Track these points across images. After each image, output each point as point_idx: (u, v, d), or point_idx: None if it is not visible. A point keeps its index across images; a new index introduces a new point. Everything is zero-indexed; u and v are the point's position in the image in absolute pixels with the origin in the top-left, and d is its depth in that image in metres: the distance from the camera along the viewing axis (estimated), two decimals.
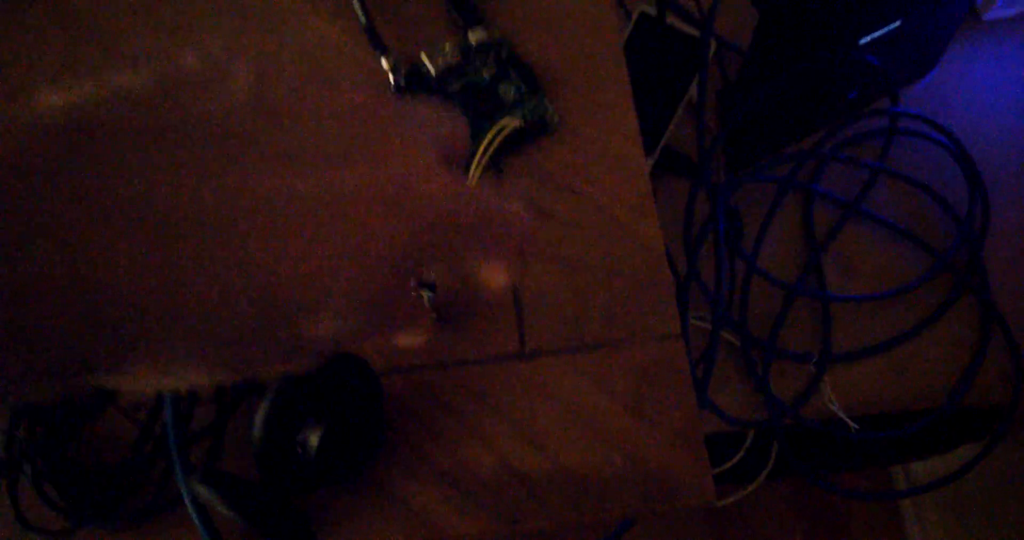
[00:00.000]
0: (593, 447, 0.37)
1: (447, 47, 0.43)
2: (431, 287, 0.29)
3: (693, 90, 0.63)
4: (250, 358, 0.19)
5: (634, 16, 0.61)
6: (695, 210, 0.60)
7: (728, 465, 0.62)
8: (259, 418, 0.32)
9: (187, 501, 0.33)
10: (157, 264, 0.16)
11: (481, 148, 0.40)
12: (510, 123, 0.42)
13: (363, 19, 0.43)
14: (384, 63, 0.42)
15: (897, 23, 0.59)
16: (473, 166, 0.40)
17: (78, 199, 0.15)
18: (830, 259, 0.62)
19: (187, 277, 0.16)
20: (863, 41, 0.59)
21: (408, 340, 0.24)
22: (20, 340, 0.15)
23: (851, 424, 0.58)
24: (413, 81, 0.42)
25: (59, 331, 0.15)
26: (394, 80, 0.42)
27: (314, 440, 0.32)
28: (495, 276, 0.23)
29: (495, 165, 0.42)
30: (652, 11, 0.61)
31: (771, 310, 0.61)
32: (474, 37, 0.43)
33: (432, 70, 0.42)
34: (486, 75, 0.43)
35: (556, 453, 0.37)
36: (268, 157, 0.17)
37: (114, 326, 0.16)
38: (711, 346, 0.57)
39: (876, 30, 0.59)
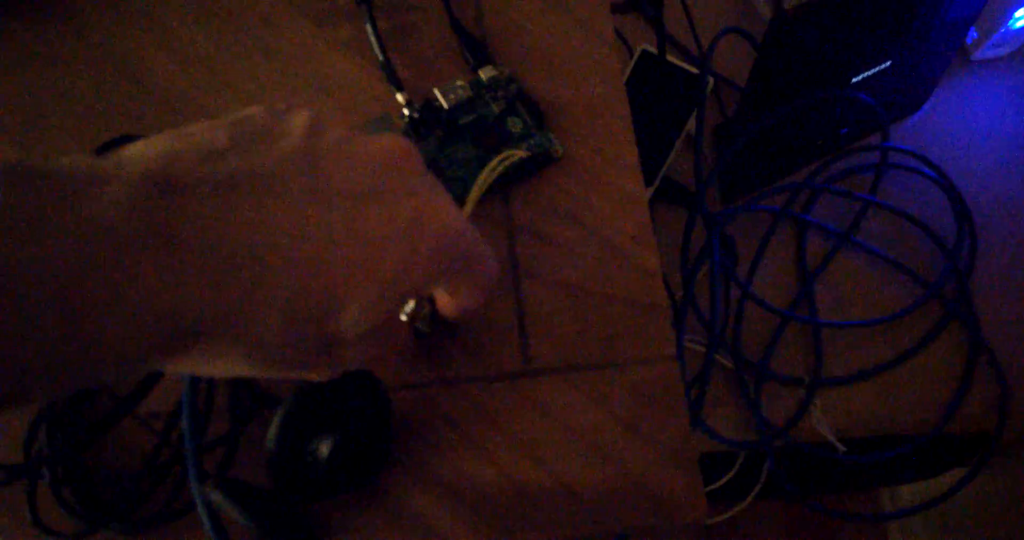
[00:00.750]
0: (591, 463, 0.39)
1: (459, 83, 0.45)
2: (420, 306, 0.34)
3: (691, 124, 0.65)
4: (286, 357, 0.22)
5: (636, 53, 0.64)
6: (692, 237, 0.62)
7: (720, 483, 0.63)
8: (273, 427, 0.34)
9: (199, 507, 0.34)
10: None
11: (484, 173, 0.42)
12: (515, 153, 0.44)
13: (381, 57, 0.45)
14: (400, 97, 0.44)
15: (887, 63, 0.62)
16: (475, 189, 0.42)
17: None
18: (822, 287, 0.64)
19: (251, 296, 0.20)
20: (855, 79, 0.62)
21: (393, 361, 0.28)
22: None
23: (839, 446, 0.60)
24: (426, 114, 0.44)
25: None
26: (408, 113, 0.44)
27: (325, 450, 0.34)
28: (461, 305, 0.29)
29: (502, 192, 0.44)
30: (653, 49, 0.64)
31: (764, 335, 0.63)
32: (485, 75, 0.46)
33: (445, 104, 0.44)
34: (495, 109, 0.45)
35: (555, 468, 0.39)
36: (307, 193, 0.20)
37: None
38: (705, 368, 0.59)
39: (867, 70, 0.62)
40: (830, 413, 0.62)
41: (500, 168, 0.43)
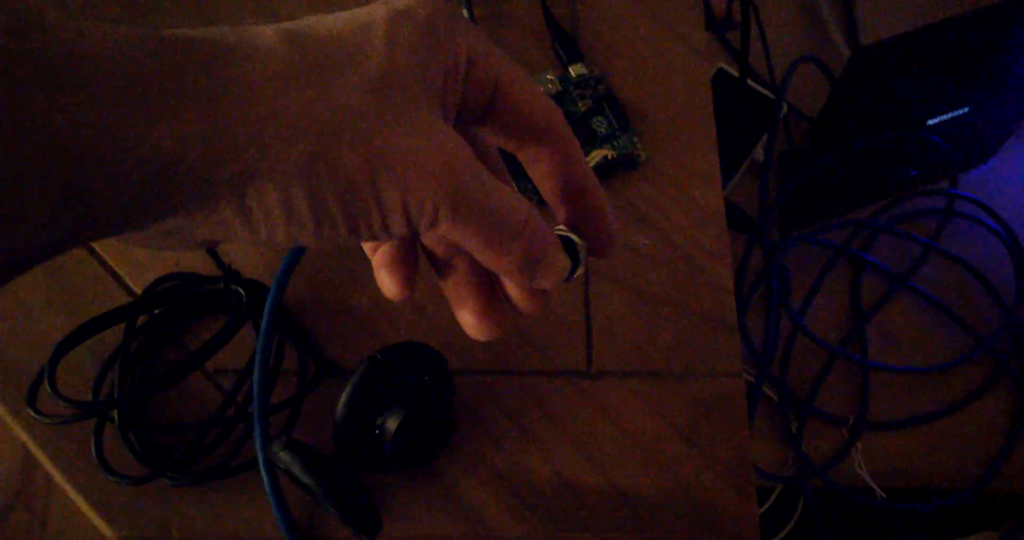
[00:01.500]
0: (646, 470, 0.39)
1: (549, 77, 0.45)
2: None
3: (758, 150, 0.65)
4: (345, 217, 0.19)
5: (713, 70, 0.64)
6: (748, 264, 0.62)
7: None
8: (344, 395, 0.33)
9: (261, 465, 0.34)
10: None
11: None
12: (600, 153, 0.44)
13: None
14: None
15: (965, 109, 0.62)
16: None
17: None
18: (873, 328, 0.64)
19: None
20: (931, 122, 0.62)
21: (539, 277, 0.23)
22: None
23: (879, 491, 0.59)
24: None
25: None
26: None
27: (392, 424, 0.34)
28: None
29: None
30: (729, 69, 0.64)
31: (810, 370, 0.62)
32: (575, 71, 0.46)
33: None
34: (581, 108, 0.46)
35: (610, 471, 0.39)
36: None
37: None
38: (751, 399, 0.58)
39: (944, 114, 0.61)
40: (870, 458, 0.61)
41: (591, 165, 0.43)
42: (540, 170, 0.24)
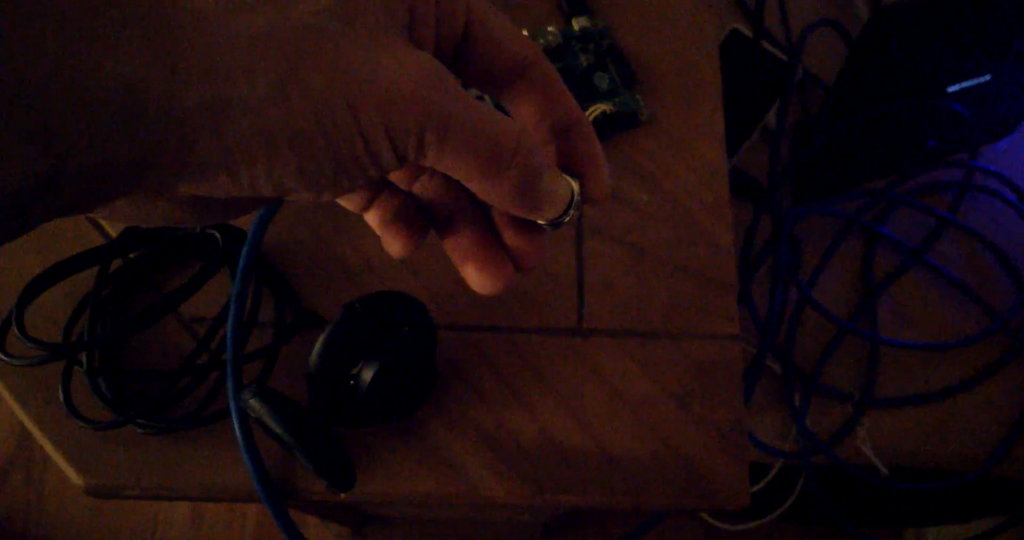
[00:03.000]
0: (636, 433, 0.37)
1: (550, 29, 0.43)
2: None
3: (770, 117, 0.63)
4: (328, 146, 0.18)
5: (726, 32, 0.62)
6: (756, 234, 0.60)
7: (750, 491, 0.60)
8: (318, 344, 0.32)
9: (233, 414, 0.33)
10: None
11: None
12: (599, 107, 0.42)
13: None
14: None
15: (987, 77, 0.59)
16: None
17: None
18: (884, 303, 0.61)
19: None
20: (951, 89, 0.59)
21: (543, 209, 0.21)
22: None
23: (883, 469, 0.57)
24: None
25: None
26: None
27: (367, 375, 0.32)
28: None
29: None
30: (744, 30, 0.62)
31: (817, 344, 0.60)
32: (577, 24, 0.44)
33: None
34: (584, 62, 0.44)
35: (598, 433, 0.37)
36: None
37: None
38: (753, 370, 0.56)
39: (966, 80, 0.59)
40: (876, 435, 0.59)
41: (590, 120, 0.41)
42: (523, 110, 0.23)
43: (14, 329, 0.33)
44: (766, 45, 0.62)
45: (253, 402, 0.31)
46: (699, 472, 0.37)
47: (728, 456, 0.37)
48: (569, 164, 0.23)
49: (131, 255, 0.37)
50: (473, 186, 0.20)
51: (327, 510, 0.57)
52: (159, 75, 0.16)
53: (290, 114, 0.17)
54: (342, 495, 0.33)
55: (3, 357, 0.33)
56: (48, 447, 0.34)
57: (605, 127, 0.42)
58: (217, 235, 0.35)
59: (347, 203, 0.24)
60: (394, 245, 0.23)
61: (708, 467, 0.37)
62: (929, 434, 0.60)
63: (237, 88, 0.17)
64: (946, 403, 0.60)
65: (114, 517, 0.84)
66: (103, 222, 0.38)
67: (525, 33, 0.43)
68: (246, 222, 0.36)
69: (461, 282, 0.39)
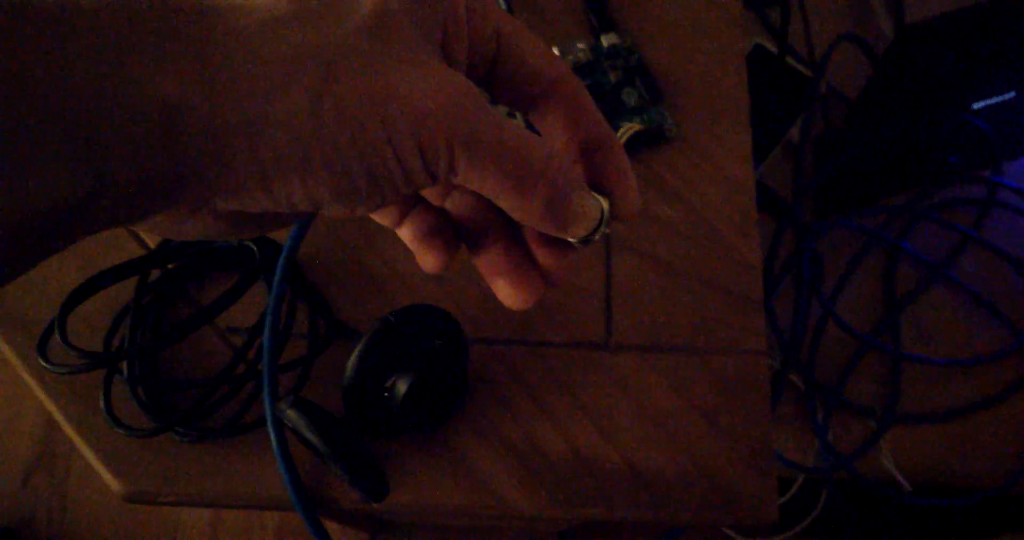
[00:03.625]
0: (662, 447, 0.38)
1: (580, 46, 0.44)
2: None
3: (793, 131, 0.63)
4: (360, 159, 0.18)
5: (749, 47, 0.62)
6: (779, 248, 0.60)
7: None
8: (354, 356, 0.33)
9: (269, 424, 0.33)
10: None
11: None
12: (632, 127, 0.43)
13: (504, 6, 0.44)
14: None
15: (1011, 94, 0.59)
16: None
17: None
18: (906, 318, 0.62)
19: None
20: (975, 106, 0.59)
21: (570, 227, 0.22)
22: None
23: (905, 484, 0.57)
24: None
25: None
26: None
27: (402, 387, 0.33)
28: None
29: None
30: (767, 45, 0.62)
31: (839, 359, 0.60)
32: (607, 41, 0.45)
33: None
34: (612, 78, 0.44)
35: (625, 446, 0.37)
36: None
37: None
38: (777, 385, 0.57)
39: (990, 97, 0.59)
40: (898, 451, 0.59)
41: (623, 140, 0.41)
42: (552, 127, 0.23)
43: (56, 337, 0.34)
44: (790, 60, 0.63)
45: (291, 413, 0.32)
46: (726, 486, 0.37)
47: (755, 470, 0.38)
48: (598, 182, 0.23)
49: (169, 266, 0.37)
50: (503, 204, 0.21)
51: (346, 516, 0.58)
52: (199, 93, 0.17)
53: (324, 130, 0.18)
54: (375, 504, 0.34)
55: (46, 365, 0.34)
56: (87, 453, 0.35)
57: (633, 143, 0.43)
58: (254, 247, 0.36)
59: (380, 218, 0.24)
60: (427, 260, 0.23)
61: (735, 481, 0.37)
62: (951, 450, 0.60)
63: (273, 105, 0.17)
64: (969, 419, 0.60)
65: (135, 520, 0.84)
66: (142, 234, 0.39)
67: (556, 51, 0.44)
68: (282, 235, 0.36)
69: (491, 296, 0.40)
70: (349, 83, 0.18)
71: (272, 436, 0.33)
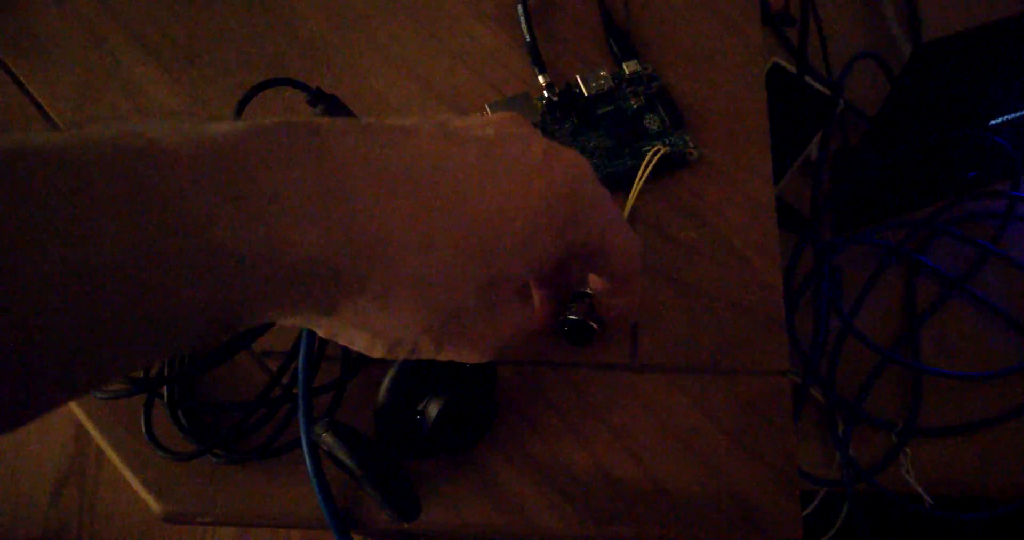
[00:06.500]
0: (687, 467, 0.38)
1: (602, 74, 0.45)
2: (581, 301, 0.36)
3: (811, 148, 0.64)
4: (451, 304, 0.22)
5: (768, 65, 0.63)
6: (798, 263, 0.61)
7: None
8: (387, 380, 0.34)
9: (304, 447, 0.34)
10: None
11: (641, 168, 0.42)
12: (660, 149, 0.43)
13: (528, 37, 0.45)
14: (541, 79, 0.44)
15: None
16: (636, 183, 0.42)
17: None
18: (926, 332, 0.62)
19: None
20: (993, 122, 0.59)
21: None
22: None
23: (926, 498, 0.57)
24: (565, 99, 0.44)
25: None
26: (548, 96, 0.44)
27: (433, 410, 0.34)
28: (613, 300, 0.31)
29: (630, 185, 0.43)
30: (784, 63, 0.63)
31: (859, 373, 0.61)
32: (628, 68, 0.45)
33: (585, 92, 0.44)
34: (634, 104, 0.45)
35: (650, 466, 0.38)
36: (440, 136, 0.22)
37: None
38: (798, 400, 0.57)
39: (1008, 113, 0.59)
40: (919, 464, 0.59)
41: (653, 163, 0.42)
42: (599, 290, 0.30)
43: None
44: (808, 79, 0.63)
45: (326, 436, 0.33)
46: (751, 505, 0.38)
47: (779, 489, 0.38)
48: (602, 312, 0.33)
49: None
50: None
51: (376, 536, 0.59)
52: (339, 254, 0.18)
53: (420, 304, 0.21)
54: (406, 525, 0.35)
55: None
56: (128, 475, 0.36)
57: (655, 167, 0.43)
58: None
59: None
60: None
61: (760, 500, 0.38)
62: (973, 464, 0.60)
63: (383, 272, 0.20)
64: (990, 433, 0.60)
65: (162, 536, 0.86)
66: None
67: (579, 79, 0.44)
68: None
69: None
70: (462, 274, 0.22)
71: (307, 458, 0.34)
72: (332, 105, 0.40)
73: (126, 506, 0.83)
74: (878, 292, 0.62)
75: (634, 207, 0.43)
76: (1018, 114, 0.59)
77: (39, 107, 0.45)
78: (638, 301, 0.30)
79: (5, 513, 0.85)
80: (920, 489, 0.58)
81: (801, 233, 0.61)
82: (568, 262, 0.29)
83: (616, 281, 0.29)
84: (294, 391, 0.36)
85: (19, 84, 0.46)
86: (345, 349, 0.38)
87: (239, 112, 0.39)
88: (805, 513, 0.61)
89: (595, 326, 0.32)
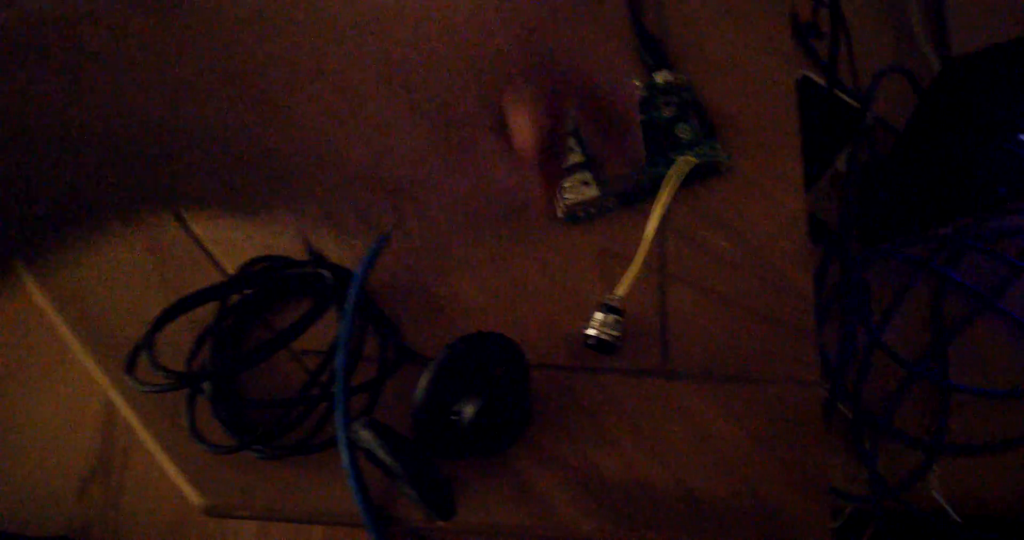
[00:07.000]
0: (718, 474, 0.38)
1: (635, 83, 0.46)
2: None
3: (840, 161, 0.64)
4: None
5: (797, 78, 0.63)
6: (825, 277, 0.61)
7: None
8: (424, 380, 0.34)
9: (341, 444, 0.35)
10: None
11: (673, 178, 0.42)
12: (691, 159, 0.44)
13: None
14: None
15: None
16: (666, 191, 0.42)
17: None
18: (954, 348, 0.61)
19: None
20: (1022, 137, 0.59)
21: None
22: None
23: (954, 516, 0.56)
24: None
25: None
26: None
27: (470, 411, 0.34)
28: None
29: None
30: (814, 76, 0.63)
31: (886, 388, 0.60)
32: (661, 78, 0.46)
33: None
34: (667, 114, 0.46)
35: (681, 472, 0.38)
36: None
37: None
38: (824, 414, 0.57)
39: None
40: (947, 482, 0.59)
41: (685, 172, 0.43)
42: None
43: (143, 358, 0.36)
44: (837, 92, 0.64)
45: (364, 433, 0.33)
46: (780, 514, 0.38)
47: (809, 498, 0.38)
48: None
49: (247, 291, 0.39)
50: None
51: (408, 535, 0.59)
52: None
53: None
54: (442, 523, 0.35)
55: (134, 383, 0.36)
56: (170, 468, 0.37)
57: (687, 177, 0.44)
58: (328, 274, 0.38)
59: None
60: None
61: (789, 509, 0.38)
62: (1001, 482, 0.59)
63: None
64: (1019, 451, 0.59)
65: (185, 532, 0.87)
66: (221, 259, 0.41)
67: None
68: (353, 261, 0.38)
69: (551, 324, 0.41)
70: None
71: (344, 455, 0.35)
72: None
73: (152, 504, 0.84)
74: (906, 307, 0.62)
75: (665, 216, 0.43)
76: None
77: None
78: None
79: (31, 510, 0.87)
80: (948, 507, 0.57)
81: (828, 246, 0.61)
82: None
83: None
84: (332, 390, 0.36)
85: None
86: (383, 349, 0.39)
87: None
88: (832, 528, 0.61)
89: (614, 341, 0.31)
